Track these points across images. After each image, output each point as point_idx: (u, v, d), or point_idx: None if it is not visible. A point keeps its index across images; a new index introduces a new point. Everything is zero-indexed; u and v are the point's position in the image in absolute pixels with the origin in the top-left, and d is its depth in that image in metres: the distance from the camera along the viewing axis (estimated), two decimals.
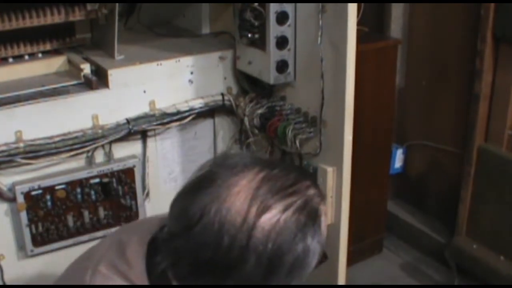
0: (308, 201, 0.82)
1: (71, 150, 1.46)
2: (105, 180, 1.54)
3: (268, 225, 0.77)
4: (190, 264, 0.80)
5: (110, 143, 1.53)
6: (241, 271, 0.77)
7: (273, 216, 0.78)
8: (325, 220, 0.86)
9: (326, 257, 0.90)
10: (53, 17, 1.50)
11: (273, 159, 0.80)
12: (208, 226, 0.77)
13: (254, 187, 0.80)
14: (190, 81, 1.62)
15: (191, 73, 1.62)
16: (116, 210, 1.59)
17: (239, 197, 0.78)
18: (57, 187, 1.47)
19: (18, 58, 1.57)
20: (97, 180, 1.53)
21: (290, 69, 1.51)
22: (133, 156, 1.59)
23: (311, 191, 0.84)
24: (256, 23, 1.48)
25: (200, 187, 0.82)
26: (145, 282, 0.86)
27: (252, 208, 0.78)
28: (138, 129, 1.55)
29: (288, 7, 1.45)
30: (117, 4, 1.51)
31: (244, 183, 0.80)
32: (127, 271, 0.87)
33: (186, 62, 1.61)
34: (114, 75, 1.50)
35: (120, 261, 0.89)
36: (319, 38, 1.39)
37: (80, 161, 1.53)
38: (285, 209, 0.79)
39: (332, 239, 1.53)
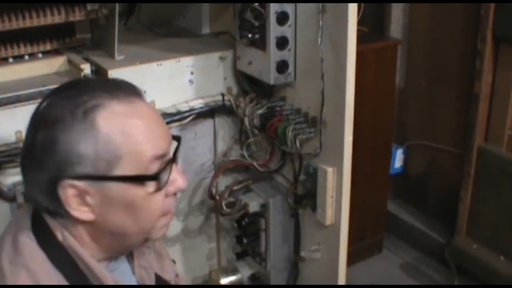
0: (87, 99, 0.89)
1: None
2: None
3: (42, 106, 0.91)
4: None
5: None
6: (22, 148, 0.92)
7: (51, 100, 0.91)
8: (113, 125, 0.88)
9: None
10: (53, 17, 1.50)
11: None
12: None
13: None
14: (190, 81, 1.62)
15: (191, 73, 1.62)
16: None
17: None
18: None
19: (18, 58, 1.57)
20: None
21: (290, 69, 1.51)
22: None
23: (103, 94, 0.90)
24: (256, 23, 1.48)
25: None
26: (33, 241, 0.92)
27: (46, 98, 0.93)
28: None
29: (288, 7, 1.45)
30: (117, 4, 1.51)
31: None
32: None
33: (186, 62, 1.61)
34: (114, 75, 1.50)
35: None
36: (319, 38, 1.39)
37: None
38: (62, 97, 0.91)
39: (332, 239, 1.54)
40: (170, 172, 0.93)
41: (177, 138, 1.00)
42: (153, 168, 0.91)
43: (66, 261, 0.92)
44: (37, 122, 0.90)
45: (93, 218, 0.91)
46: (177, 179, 0.95)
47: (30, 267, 0.89)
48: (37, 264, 0.90)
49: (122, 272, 1.03)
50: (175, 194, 0.97)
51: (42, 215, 0.94)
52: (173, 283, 1.14)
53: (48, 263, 0.90)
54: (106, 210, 0.91)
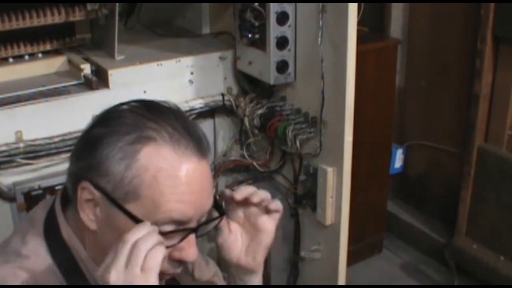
0: (151, 129, 0.88)
1: (71, 150, 1.46)
2: None
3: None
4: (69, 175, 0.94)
5: None
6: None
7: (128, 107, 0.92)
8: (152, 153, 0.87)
9: None
10: (53, 17, 1.50)
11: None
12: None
13: None
14: (190, 81, 1.62)
15: (191, 73, 1.62)
16: None
17: None
18: (57, 187, 1.47)
19: (18, 58, 1.57)
20: None
21: (290, 69, 1.51)
22: None
23: (169, 135, 0.88)
24: (256, 23, 1.48)
25: None
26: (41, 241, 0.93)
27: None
28: None
29: (288, 7, 1.45)
30: (117, 4, 1.51)
31: None
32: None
33: (186, 62, 1.61)
34: (114, 75, 1.50)
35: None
36: (319, 38, 1.39)
37: None
38: (138, 113, 0.90)
39: (332, 239, 1.54)
40: (182, 239, 0.88)
41: (221, 211, 0.97)
42: (164, 227, 0.86)
43: (68, 260, 0.92)
44: (105, 116, 0.91)
45: (95, 229, 0.90)
46: (186, 249, 0.89)
47: (31, 259, 0.90)
48: (40, 258, 0.91)
49: None
50: (178, 261, 0.90)
51: (56, 212, 0.95)
52: None
53: (50, 260, 0.91)
54: (106, 230, 0.89)
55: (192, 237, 0.89)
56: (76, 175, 0.90)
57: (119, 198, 0.86)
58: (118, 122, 0.88)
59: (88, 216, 0.90)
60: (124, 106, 0.91)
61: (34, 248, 0.91)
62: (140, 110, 0.89)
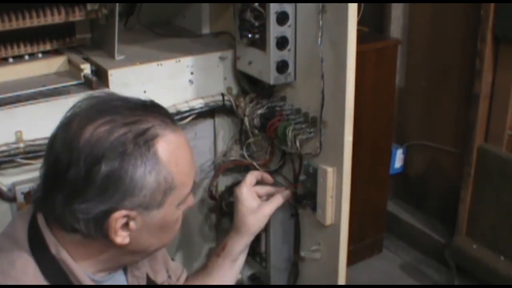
0: (145, 127, 0.88)
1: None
2: None
3: (89, 133, 0.86)
4: (42, 184, 0.92)
5: None
6: (67, 176, 0.85)
7: (96, 126, 0.86)
8: (172, 154, 0.90)
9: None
10: (53, 17, 1.50)
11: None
12: (52, 145, 0.92)
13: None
14: (190, 81, 1.62)
15: (191, 73, 1.62)
16: None
17: (75, 122, 0.90)
18: None
19: (18, 58, 1.57)
20: None
21: (290, 69, 1.51)
22: None
23: (155, 121, 0.90)
24: (256, 24, 1.48)
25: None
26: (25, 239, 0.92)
27: (80, 123, 0.89)
28: None
29: (288, 7, 1.45)
30: (117, 4, 1.51)
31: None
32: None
33: (186, 62, 1.61)
34: (114, 75, 1.50)
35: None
36: (319, 38, 1.39)
37: None
38: (109, 122, 0.86)
39: (332, 239, 1.54)
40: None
41: None
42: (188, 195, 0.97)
43: (59, 275, 0.91)
44: (94, 153, 0.84)
45: (128, 242, 0.91)
46: (190, 198, 1.00)
47: (21, 280, 0.88)
48: (29, 276, 0.89)
49: (115, 283, 1.02)
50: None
51: (39, 225, 0.93)
52: (165, 284, 1.14)
53: (40, 276, 0.89)
54: (141, 234, 0.91)
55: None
56: (102, 212, 0.86)
57: (158, 201, 0.89)
58: (113, 146, 0.85)
59: (122, 235, 0.89)
60: (88, 130, 0.86)
61: (23, 268, 0.89)
62: (109, 119, 0.87)
